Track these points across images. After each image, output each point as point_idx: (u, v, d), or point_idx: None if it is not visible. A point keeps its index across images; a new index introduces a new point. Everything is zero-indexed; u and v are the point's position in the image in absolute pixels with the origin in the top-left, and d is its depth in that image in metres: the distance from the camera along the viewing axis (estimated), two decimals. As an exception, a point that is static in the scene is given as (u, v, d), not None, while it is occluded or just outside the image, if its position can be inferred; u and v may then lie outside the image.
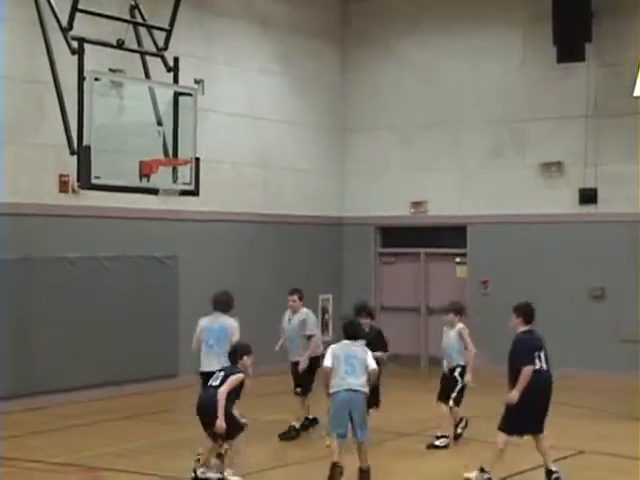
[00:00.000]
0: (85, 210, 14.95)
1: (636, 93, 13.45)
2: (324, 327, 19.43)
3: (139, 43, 14.26)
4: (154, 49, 14.23)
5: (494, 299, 18.58)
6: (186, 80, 14.12)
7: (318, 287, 19.31)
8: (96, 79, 12.58)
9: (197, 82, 14.22)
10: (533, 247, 18.40)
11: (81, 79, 12.48)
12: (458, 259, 19.47)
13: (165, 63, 14.11)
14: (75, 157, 12.68)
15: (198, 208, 16.29)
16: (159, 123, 13.65)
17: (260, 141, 18.51)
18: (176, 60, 14.06)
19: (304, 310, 12.91)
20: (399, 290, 19.96)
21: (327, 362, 10.09)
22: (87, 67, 12.55)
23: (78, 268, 14.94)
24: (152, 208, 15.57)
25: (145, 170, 12.95)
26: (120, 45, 13.60)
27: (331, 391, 10.01)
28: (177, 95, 13.72)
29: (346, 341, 10.24)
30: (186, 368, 16.09)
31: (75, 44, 12.68)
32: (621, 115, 17.54)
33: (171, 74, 14.06)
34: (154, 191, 13.21)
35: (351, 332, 10.33)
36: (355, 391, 9.92)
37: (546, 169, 18.44)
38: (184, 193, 13.67)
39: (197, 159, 13.64)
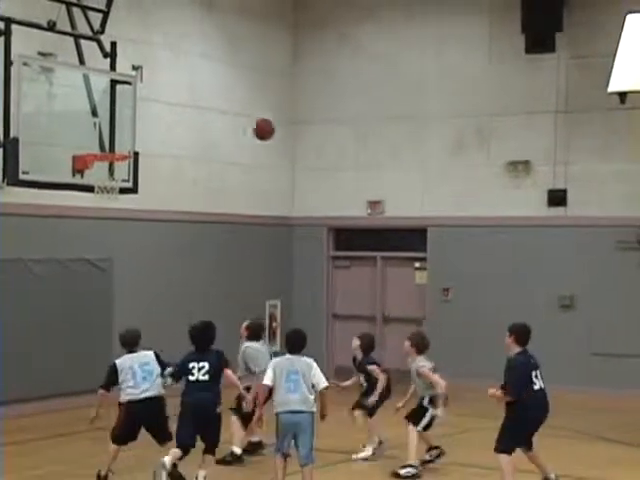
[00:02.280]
0: (10, 208, 14.64)
1: (610, 89, 13.45)
2: (271, 336, 19.35)
3: (72, 25, 13.98)
4: (89, 32, 13.99)
5: (456, 307, 18.67)
6: (124, 67, 13.94)
7: (265, 292, 19.29)
8: (25, 64, 12.39)
9: (135, 69, 14.07)
10: (498, 252, 18.44)
11: (8, 64, 12.26)
12: (417, 264, 19.47)
13: (101, 48, 13.90)
14: (0, 150, 12.45)
15: (135, 206, 16.06)
16: (94, 113, 13.47)
17: (203, 133, 18.38)
18: (113, 45, 13.87)
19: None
20: (353, 297, 19.92)
21: (266, 379, 9.91)
22: (14, 51, 12.33)
23: (2, 272, 14.66)
24: (84, 206, 15.27)
25: (78, 165, 12.79)
26: (51, 27, 13.36)
27: (275, 411, 9.91)
28: (114, 83, 13.56)
29: (289, 355, 10.01)
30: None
31: (1, 25, 12.45)
32: (593, 111, 17.65)
33: (107, 60, 13.86)
34: (89, 188, 13.02)
35: (296, 344, 10.06)
36: (299, 412, 9.77)
37: (512, 168, 18.48)
38: (122, 191, 13.49)
39: (136, 153, 13.49)
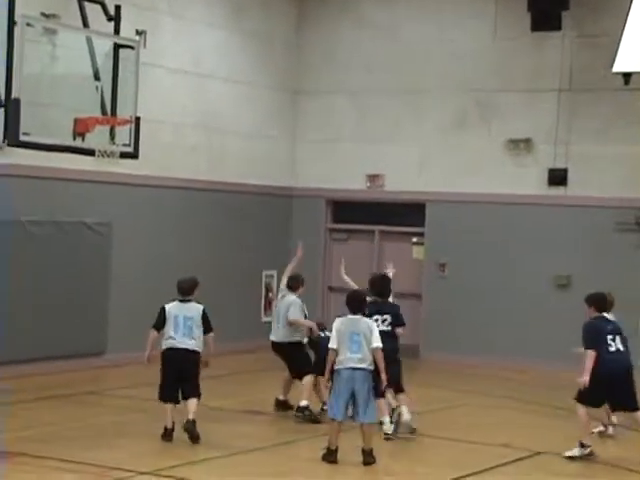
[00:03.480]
0: (9, 169, 14.66)
1: (615, 69, 13.46)
2: (266, 306, 19.42)
3: (77, -13, 14.00)
4: (94, -5, 14.00)
5: (452, 283, 18.73)
6: (127, 31, 13.92)
7: (262, 262, 19.31)
8: (28, 25, 12.38)
9: (139, 33, 14.07)
10: (496, 229, 18.49)
11: (11, 24, 12.26)
12: (415, 239, 19.51)
13: (105, 11, 13.92)
14: (1, 110, 12.45)
15: (135, 171, 16.08)
16: (96, 77, 13.50)
17: (205, 101, 18.35)
18: (118, 8, 13.88)
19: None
20: (350, 270, 19.70)
21: (333, 343, 10.54)
22: (18, 11, 12.32)
23: (0, 233, 14.69)
24: (84, 169, 15.31)
25: (80, 128, 12.81)
26: (56, -12, 13.37)
27: (335, 367, 10.52)
28: (117, 47, 13.57)
29: (351, 316, 10.63)
30: (115, 346, 16.03)
31: (6, -15, 12.43)
32: (597, 90, 17.65)
33: (111, 24, 13.86)
34: (90, 152, 13.03)
35: (358, 304, 10.76)
36: (359, 369, 10.38)
37: (514, 146, 18.49)
38: (123, 155, 13.50)
39: (137, 118, 13.50)
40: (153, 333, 11.41)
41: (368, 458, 10.59)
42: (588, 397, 11.17)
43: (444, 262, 18.97)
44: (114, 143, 13.36)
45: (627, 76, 13.36)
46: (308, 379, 12.66)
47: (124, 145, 13.46)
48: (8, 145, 12.97)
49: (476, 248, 18.62)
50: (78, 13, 13.93)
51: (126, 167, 15.40)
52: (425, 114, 19.29)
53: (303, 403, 12.59)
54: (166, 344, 11.29)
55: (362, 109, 19.78)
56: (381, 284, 12.48)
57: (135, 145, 13.57)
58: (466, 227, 18.73)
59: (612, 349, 11.16)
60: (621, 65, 13.36)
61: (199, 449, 11.11)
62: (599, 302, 11.54)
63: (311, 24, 20.19)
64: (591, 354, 11.08)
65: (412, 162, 19.31)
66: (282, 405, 13.13)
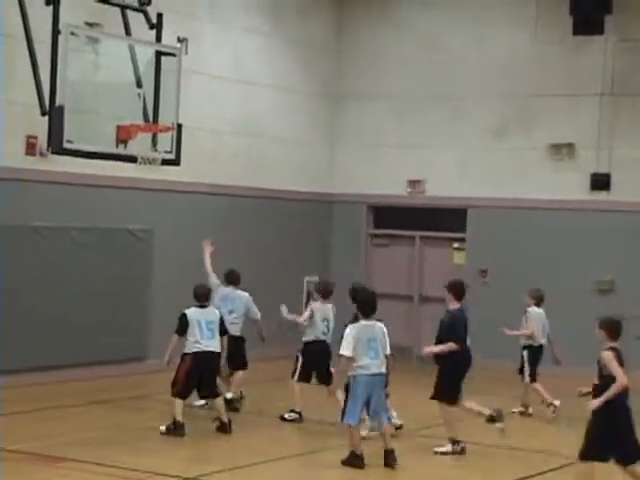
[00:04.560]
0: (53, 176, 14.85)
1: (658, 73, 13.43)
2: (307, 311, 19.40)
3: (120, -4, 14.11)
4: (136, 3, 14.04)
5: (493, 290, 18.67)
6: (169, 39, 13.99)
7: (303, 268, 19.33)
8: (72, 33, 12.44)
9: (180, 41, 14.07)
10: (538, 235, 18.43)
11: (55, 33, 12.34)
12: (456, 244, 19.50)
13: (147, 19, 13.97)
14: (46, 118, 12.56)
15: (177, 178, 16.23)
16: (139, 84, 13.55)
17: (245, 107, 18.43)
18: (159, 16, 13.91)
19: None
20: (391, 275, 19.91)
21: (347, 350, 10.64)
22: (62, 20, 12.41)
23: (45, 239, 14.87)
24: (127, 176, 15.46)
25: (122, 136, 12.86)
26: (99, -3, 13.46)
27: (352, 373, 10.75)
28: (159, 55, 13.62)
29: (366, 322, 10.83)
30: (157, 352, 16.09)
31: (50, -6, 12.54)
32: (639, 95, 17.56)
33: (153, 31, 13.92)
34: (132, 159, 13.11)
35: (372, 307, 10.94)
36: (378, 375, 10.74)
37: (555, 151, 18.43)
38: (164, 162, 13.57)
39: (179, 125, 13.55)
40: (174, 338, 12.14)
41: (391, 459, 10.81)
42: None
43: (485, 268, 18.92)
44: (156, 150, 13.40)
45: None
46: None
47: (166, 152, 13.50)
48: (52, 153, 13.08)
49: (518, 254, 18.57)
50: (121, 21, 14.01)
51: (168, 174, 15.53)
52: (466, 119, 19.26)
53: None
54: (195, 347, 12.01)
55: (402, 115, 19.77)
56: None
57: (177, 152, 13.61)
58: (507, 232, 18.69)
59: None
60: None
61: (242, 454, 11.18)
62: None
63: (351, 30, 20.23)
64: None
65: (453, 168, 19.30)
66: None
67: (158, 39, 13.89)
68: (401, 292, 19.82)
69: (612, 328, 10.00)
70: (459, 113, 19.33)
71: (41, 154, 14.59)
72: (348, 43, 20.28)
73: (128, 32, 14.03)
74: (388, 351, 10.85)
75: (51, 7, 12.43)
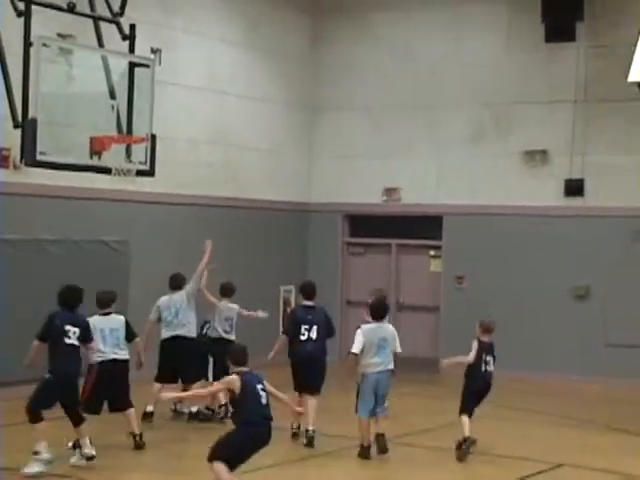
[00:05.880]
0: (27, 188, 14.75)
1: (631, 78, 13.44)
2: (284, 321, 19.36)
3: (92, 7, 13.96)
4: (108, 14, 13.99)
5: (469, 296, 18.67)
6: (142, 50, 13.92)
7: (280, 277, 19.33)
8: (44, 45, 12.32)
9: (154, 51, 14.01)
10: (514, 241, 18.46)
11: (27, 45, 12.23)
12: (432, 252, 19.52)
13: (120, 30, 13.89)
14: (19, 130, 12.47)
15: (152, 189, 16.18)
16: (112, 96, 13.44)
17: (220, 117, 18.40)
18: (132, 27, 13.83)
19: None
20: (367, 284, 19.67)
21: (357, 348, 11.59)
22: (34, 32, 12.32)
23: (19, 250, 14.74)
24: (101, 188, 15.43)
25: (96, 147, 12.74)
26: (71, 9, 13.30)
27: (362, 371, 11.63)
28: (132, 65, 13.51)
29: (378, 323, 11.76)
30: (132, 366, 16.00)
31: (21, 6, 12.45)
32: (613, 101, 17.61)
33: (126, 42, 13.85)
34: (106, 170, 13.04)
35: (383, 311, 11.94)
36: (385, 372, 11.65)
37: (530, 157, 18.47)
38: (139, 173, 13.51)
39: (153, 136, 13.50)
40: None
41: (382, 443, 11.64)
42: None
43: (462, 275, 18.94)
44: (130, 161, 13.32)
45: (642, 86, 13.33)
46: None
47: (140, 163, 13.42)
48: (25, 165, 12.95)
49: (494, 260, 18.59)
50: (93, 33, 13.94)
51: (143, 185, 15.48)
52: (441, 128, 19.29)
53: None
54: (99, 357, 11.61)
55: (378, 124, 19.80)
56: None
57: (151, 163, 13.53)
58: (483, 239, 18.71)
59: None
60: (636, 75, 13.35)
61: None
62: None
63: (326, 41, 20.24)
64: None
65: (428, 175, 19.33)
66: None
67: (131, 50, 13.80)
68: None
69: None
70: (435, 121, 19.36)
71: (15, 166, 14.50)
72: (323, 53, 20.29)
73: (101, 43, 13.93)
74: (399, 349, 11.77)
75: (22, 19, 12.36)
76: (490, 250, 18.63)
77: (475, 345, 12.06)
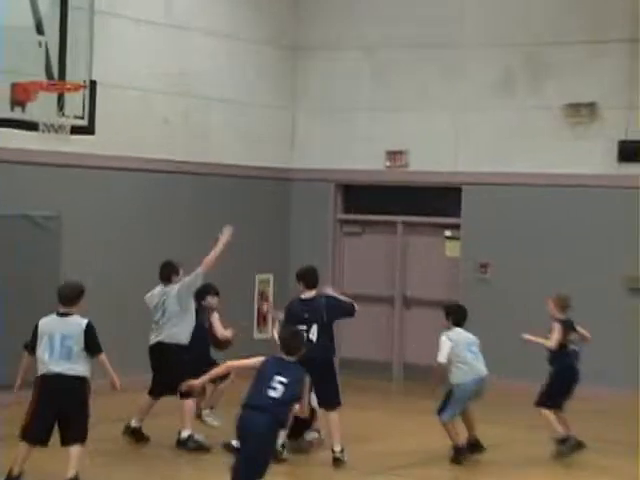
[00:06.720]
0: None
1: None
2: (260, 320, 19.35)
3: None
4: None
5: (495, 288, 18.75)
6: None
7: (254, 264, 19.46)
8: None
9: (93, -26, 14.09)
10: (551, 219, 18.50)
11: None
12: (448, 232, 19.57)
13: (50, -54, 13.88)
14: None
15: (90, 150, 16.13)
16: (39, 30, 13.51)
17: (180, 60, 18.39)
18: (66, -59, 13.84)
19: None
20: (366, 272, 20.00)
21: (443, 357, 13.10)
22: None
23: None
24: (27, 149, 15.33)
25: (19, 96, 12.92)
26: None
27: (457, 381, 13.09)
28: (66, -8, 13.57)
29: (461, 329, 13.32)
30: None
31: None
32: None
33: (58, -38, 13.85)
34: (33, 126, 13.04)
35: (464, 317, 13.48)
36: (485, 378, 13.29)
37: (573, 112, 18.45)
38: (75, 130, 13.51)
39: (93, 83, 13.51)
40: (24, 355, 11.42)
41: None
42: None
43: (485, 261, 18.94)
44: (63, 114, 13.37)
45: None
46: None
47: (76, 117, 13.49)
48: None
49: (526, 243, 18.63)
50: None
51: (79, 145, 15.43)
52: (460, 75, 19.30)
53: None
54: (41, 369, 11.19)
55: (380, 69, 19.84)
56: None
57: (90, 117, 13.63)
58: (513, 217, 18.78)
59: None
60: None
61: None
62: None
63: (314, -39, 20.29)
64: None
65: (444, 135, 19.38)
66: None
67: (64, -29, 13.80)
68: (379, 293, 19.89)
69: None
70: (452, 66, 19.38)
71: None
72: (310, -21, 20.35)
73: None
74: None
75: None
76: (522, 231, 18.67)
77: (557, 326, 13.41)
